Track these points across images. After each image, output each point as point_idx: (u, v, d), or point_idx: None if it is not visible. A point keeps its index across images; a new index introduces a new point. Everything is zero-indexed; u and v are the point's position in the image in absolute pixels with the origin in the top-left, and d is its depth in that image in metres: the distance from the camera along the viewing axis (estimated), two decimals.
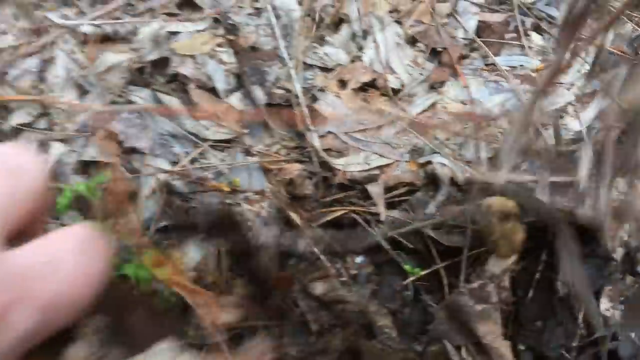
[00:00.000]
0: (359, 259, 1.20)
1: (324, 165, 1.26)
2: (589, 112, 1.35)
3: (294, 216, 1.14)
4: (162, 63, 1.41)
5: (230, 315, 1.01)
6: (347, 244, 1.19)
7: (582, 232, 1.16)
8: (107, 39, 1.46)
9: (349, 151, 1.30)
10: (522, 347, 1.12)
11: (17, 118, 1.35)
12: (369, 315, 1.06)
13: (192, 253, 1.09)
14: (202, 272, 1.09)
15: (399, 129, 1.33)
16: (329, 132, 1.31)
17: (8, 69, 1.44)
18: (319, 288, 1.07)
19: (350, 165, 1.25)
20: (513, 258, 1.13)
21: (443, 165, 1.24)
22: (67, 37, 1.50)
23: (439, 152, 1.26)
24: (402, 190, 1.25)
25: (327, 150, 1.28)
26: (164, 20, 1.48)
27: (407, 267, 1.15)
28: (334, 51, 1.46)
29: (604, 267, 1.16)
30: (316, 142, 1.27)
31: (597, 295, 1.13)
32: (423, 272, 1.16)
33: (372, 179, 1.23)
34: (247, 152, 1.31)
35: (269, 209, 1.17)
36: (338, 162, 1.27)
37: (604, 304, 1.13)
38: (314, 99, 1.35)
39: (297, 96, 1.35)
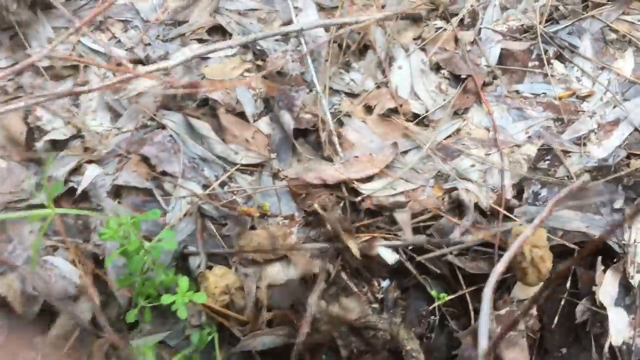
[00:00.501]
0: (385, 283, 1.22)
1: (351, 190, 1.28)
2: (612, 140, 1.37)
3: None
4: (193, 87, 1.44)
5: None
6: (374, 267, 1.21)
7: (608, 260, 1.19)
8: (139, 63, 1.50)
9: (375, 176, 1.32)
10: None
11: (52, 136, 1.40)
12: (398, 340, 1.07)
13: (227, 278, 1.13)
14: (234, 296, 1.12)
15: (423, 154, 1.35)
16: (355, 157, 1.33)
17: (41, 91, 1.49)
18: (350, 313, 1.09)
19: (377, 190, 1.28)
20: (540, 285, 1.15)
21: (468, 191, 1.26)
22: (99, 61, 1.54)
23: (464, 178, 1.28)
24: (427, 215, 1.27)
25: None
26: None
27: (433, 292, 1.17)
28: (360, 77, 1.49)
29: (626, 297, 1.17)
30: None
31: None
32: (449, 297, 1.18)
33: (399, 205, 1.26)
34: (275, 176, 1.34)
35: (299, 233, 1.20)
36: (365, 187, 1.29)
37: (628, 333, 1.14)
38: (341, 123, 1.38)
39: (324, 121, 1.38)
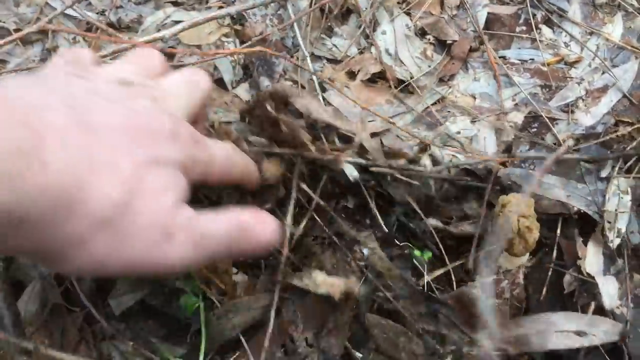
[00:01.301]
0: (366, 251, 1.18)
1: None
2: (600, 107, 1.33)
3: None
4: (168, 53, 1.38)
5: None
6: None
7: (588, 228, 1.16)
8: (110, 27, 1.43)
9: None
10: None
11: None
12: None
13: None
14: None
15: (408, 121, 1.31)
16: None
17: (10, 58, 1.41)
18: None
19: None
20: (527, 256, 1.12)
21: (454, 156, 1.22)
22: (70, 25, 1.47)
23: (449, 145, 1.24)
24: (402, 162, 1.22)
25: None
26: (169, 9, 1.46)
27: (416, 252, 1.13)
28: (343, 42, 1.44)
29: (611, 266, 1.15)
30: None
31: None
32: (437, 273, 1.14)
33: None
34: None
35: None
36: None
37: (617, 302, 1.11)
38: (323, 89, 1.33)
39: (304, 87, 1.33)
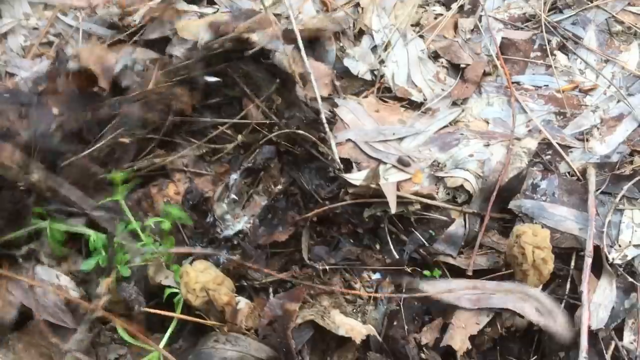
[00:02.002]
0: (375, 276, 1.15)
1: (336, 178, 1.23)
2: (616, 136, 1.31)
3: None
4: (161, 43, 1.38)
5: None
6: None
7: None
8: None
9: (366, 163, 1.25)
10: None
11: None
12: None
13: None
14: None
15: (420, 142, 1.29)
16: (349, 140, 1.26)
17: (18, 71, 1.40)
18: None
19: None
20: (540, 287, 1.09)
21: (466, 180, 1.20)
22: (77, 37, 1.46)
23: (462, 168, 1.22)
24: (417, 206, 1.21)
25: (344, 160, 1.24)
26: None
27: (426, 273, 1.11)
28: (354, 64, 1.42)
29: (626, 300, 1.12)
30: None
31: (621, 328, 1.09)
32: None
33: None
34: None
35: None
36: (352, 177, 1.21)
37: (627, 337, 1.08)
38: (335, 105, 1.31)
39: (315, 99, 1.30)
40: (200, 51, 1.26)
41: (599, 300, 1.09)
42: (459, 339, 1.00)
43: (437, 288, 1.07)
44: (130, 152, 1.19)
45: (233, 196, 1.23)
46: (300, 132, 1.23)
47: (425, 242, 1.18)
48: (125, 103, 1.18)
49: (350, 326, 1.00)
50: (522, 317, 1.04)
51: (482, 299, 1.04)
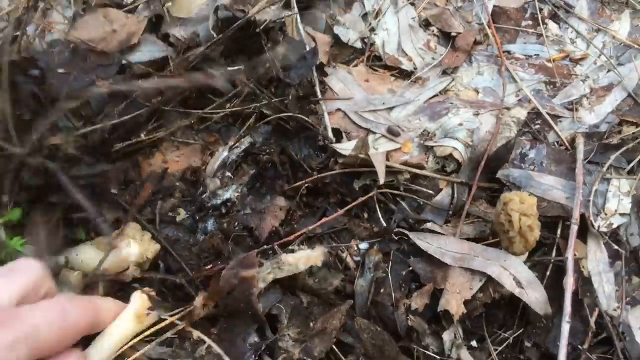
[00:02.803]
0: (363, 245, 1.16)
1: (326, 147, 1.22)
2: (605, 106, 1.31)
3: None
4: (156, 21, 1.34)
5: None
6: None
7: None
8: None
9: (356, 133, 1.25)
10: (527, 344, 1.09)
11: None
12: None
13: None
14: None
15: (410, 111, 1.28)
16: (338, 110, 1.26)
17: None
18: None
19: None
20: (526, 255, 1.10)
21: (455, 149, 1.19)
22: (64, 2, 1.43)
23: (451, 137, 1.21)
24: (406, 176, 1.21)
25: (333, 129, 1.24)
26: None
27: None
28: (345, 31, 1.40)
29: (611, 268, 1.13)
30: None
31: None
32: None
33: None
34: None
35: None
36: (341, 147, 1.21)
37: (611, 304, 1.10)
38: (324, 74, 1.30)
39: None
40: (209, 34, 1.23)
41: (590, 266, 1.10)
42: (454, 304, 1.01)
43: (426, 241, 1.09)
44: (143, 125, 1.18)
45: (228, 174, 1.22)
46: (291, 102, 1.22)
47: (412, 211, 1.18)
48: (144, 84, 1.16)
49: (306, 256, 1.02)
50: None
51: (465, 259, 1.06)
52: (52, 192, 1.00)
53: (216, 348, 0.96)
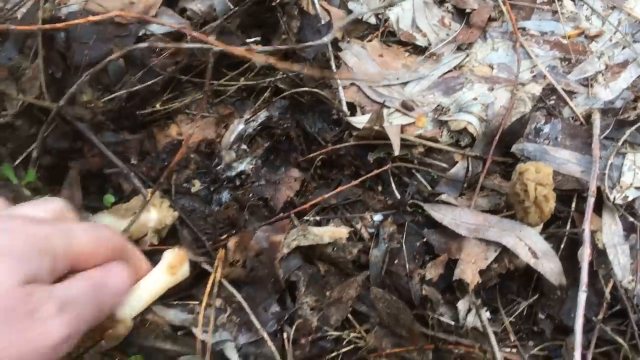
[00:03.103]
0: (377, 217, 1.16)
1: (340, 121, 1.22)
2: (620, 82, 1.31)
3: None
4: None
5: None
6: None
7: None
8: None
9: (370, 107, 1.25)
10: (541, 316, 1.09)
11: None
12: None
13: None
14: None
15: (424, 87, 1.28)
16: (352, 84, 1.26)
17: None
18: None
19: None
20: (541, 226, 1.10)
21: (469, 123, 1.19)
22: None
23: (465, 111, 1.21)
24: (421, 149, 1.21)
25: (348, 104, 1.24)
26: None
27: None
28: (359, 7, 1.40)
29: (626, 241, 1.13)
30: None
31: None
32: None
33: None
34: None
35: None
36: (356, 120, 1.21)
37: (627, 277, 1.10)
38: (339, 49, 1.30)
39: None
40: (226, 7, 1.23)
41: (605, 239, 1.10)
42: (470, 273, 1.01)
43: (441, 212, 1.09)
44: (159, 94, 1.19)
45: (244, 147, 1.22)
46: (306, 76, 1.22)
47: (426, 184, 1.19)
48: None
49: (331, 231, 1.03)
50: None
51: (480, 230, 1.05)
52: (75, 157, 1.02)
53: (246, 307, 0.96)
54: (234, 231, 1.10)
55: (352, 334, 1.02)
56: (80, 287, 0.67)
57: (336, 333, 1.01)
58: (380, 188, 1.20)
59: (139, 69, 1.12)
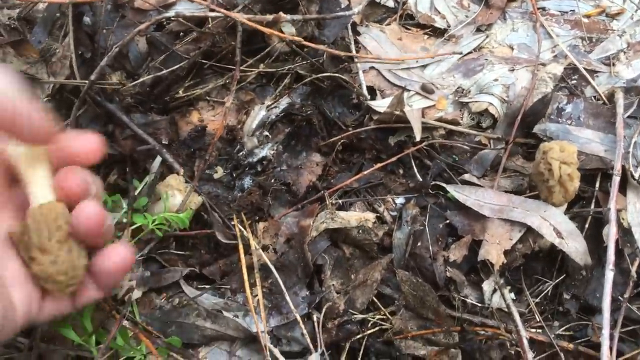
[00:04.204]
0: (399, 200, 1.16)
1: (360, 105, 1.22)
2: None
3: None
4: None
5: None
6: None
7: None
8: None
9: (390, 91, 1.25)
10: (566, 296, 1.09)
11: None
12: None
13: None
14: None
15: (443, 69, 1.27)
16: (372, 68, 1.25)
17: None
18: None
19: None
20: (565, 206, 1.09)
21: (490, 104, 1.19)
22: None
23: (486, 92, 1.21)
24: (442, 132, 1.20)
25: (367, 87, 1.24)
26: None
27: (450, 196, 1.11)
28: None
29: None
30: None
31: None
32: None
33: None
34: None
35: None
36: (377, 104, 1.21)
37: None
38: (357, 33, 1.30)
39: None
40: None
41: (630, 218, 1.09)
42: (495, 254, 1.01)
43: (464, 193, 1.08)
44: (182, 81, 1.20)
45: (266, 133, 1.23)
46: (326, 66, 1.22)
47: (447, 166, 1.18)
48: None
49: (358, 215, 1.04)
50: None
51: (504, 211, 1.05)
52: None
53: (283, 290, 0.97)
54: (257, 217, 1.11)
55: (377, 316, 1.03)
56: None
57: (361, 316, 1.02)
58: (401, 171, 1.20)
59: (162, 53, 1.13)
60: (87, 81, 1.02)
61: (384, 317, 1.03)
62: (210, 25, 1.17)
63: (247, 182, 1.18)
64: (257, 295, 0.98)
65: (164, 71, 1.12)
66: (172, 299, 0.94)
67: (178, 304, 0.96)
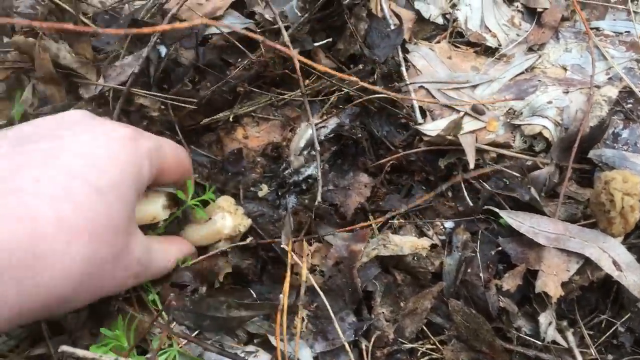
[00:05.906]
0: (448, 224, 1.13)
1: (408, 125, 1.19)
2: None
3: None
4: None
5: None
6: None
7: None
8: None
9: (439, 111, 1.22)
10: (621, 329, 1.05)
11: None
12: None
13: None
14: None
15: (494, 89, 1.24)
16: (421, 87, 1.23)
17: None
18: None
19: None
20: (622, 237, 1.05)
21: (544, 128, 1.15)
22: None
23: (540, 115, 1.17)
24: (493, 155, 1.17)
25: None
26: None
27: (502, 221, 1.07)
28: (426, 7, 1.37)
29: None
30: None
31: None
32: None
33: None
34: None
35: None
36: (429, 128, 1.18)
37: None
38: (406, 50, 1.27)
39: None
40: (294, 13, 1.22)
41: None
42: (552, 286, 0.98)
43: (518, 220, 1.05)
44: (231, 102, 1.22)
45: (313, 152, 1.20)
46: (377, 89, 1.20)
47: (499, 190, 1.15)
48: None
49: (411, 242, 1.02)
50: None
51: (561, 240, 1.02)
52: None
53: (331, 314, 0.95)
54: (303, 239, 1.09)
55: (426, 346, 1.00)
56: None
57: (411, 345, 0.99)
58: (450, 194, 1.17)
59: (213, 78, 1.13)
60: (161, 94, 1.05)
61: (434, 346, 1.00)
62: (262, 51, 1.15)
63: (292, 200, 1.16)
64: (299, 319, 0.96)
65: (215, 95, 1.13)
66: None
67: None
